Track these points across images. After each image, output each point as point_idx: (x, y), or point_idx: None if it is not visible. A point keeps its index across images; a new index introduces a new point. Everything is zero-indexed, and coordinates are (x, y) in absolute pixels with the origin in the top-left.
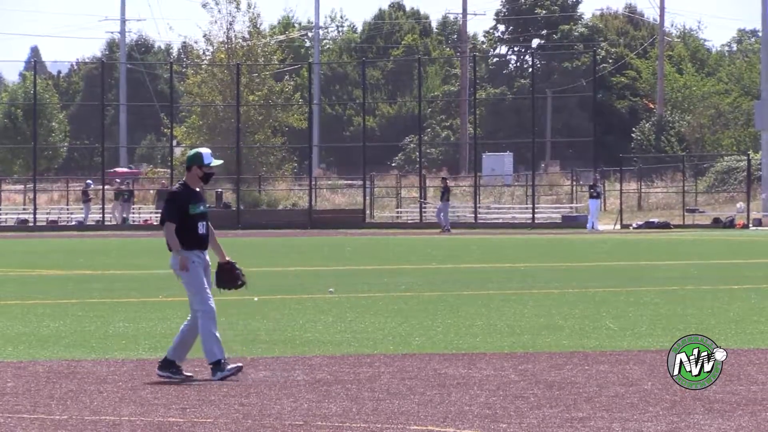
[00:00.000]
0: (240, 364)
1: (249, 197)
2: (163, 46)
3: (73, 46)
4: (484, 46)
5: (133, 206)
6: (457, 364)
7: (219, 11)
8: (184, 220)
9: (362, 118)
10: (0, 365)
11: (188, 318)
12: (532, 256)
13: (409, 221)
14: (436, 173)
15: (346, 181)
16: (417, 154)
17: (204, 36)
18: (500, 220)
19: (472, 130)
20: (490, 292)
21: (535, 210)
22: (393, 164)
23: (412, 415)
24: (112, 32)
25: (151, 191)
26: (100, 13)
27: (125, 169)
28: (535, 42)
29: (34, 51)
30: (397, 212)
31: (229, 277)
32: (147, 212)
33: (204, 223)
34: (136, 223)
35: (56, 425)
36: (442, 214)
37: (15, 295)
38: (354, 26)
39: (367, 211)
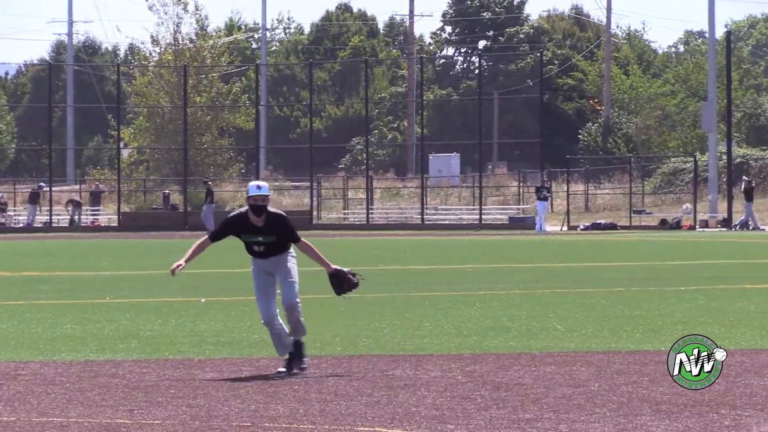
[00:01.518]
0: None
1: (196, 199)
2: (110, 48)
3: (20, 47)
4: (430, 47)
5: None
6: (404, 365)
7: (166, 13)
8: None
9: (309, 119)
10: None
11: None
12: (479, 258)
13: (356, 222)
14: (383, 174)
15: (293, 183)
16: (364, 155)
17: (151, 37)
18: (447, 221)
19: (419, 131)
20: (437, 293)
21: (482, 211)
22: (340, 166)
23: (360, 417)
24: (59, 34)
25: (104, 194)
26: (47, 15)
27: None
28: (482, 43)
29: None
30: (344, 213)
31: (339, 282)
32: (94, 213)
33: (261, 247)
34: (84, 224)
35: (4, 427)
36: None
37: None
38: (301, 28)
39: (314, 213)
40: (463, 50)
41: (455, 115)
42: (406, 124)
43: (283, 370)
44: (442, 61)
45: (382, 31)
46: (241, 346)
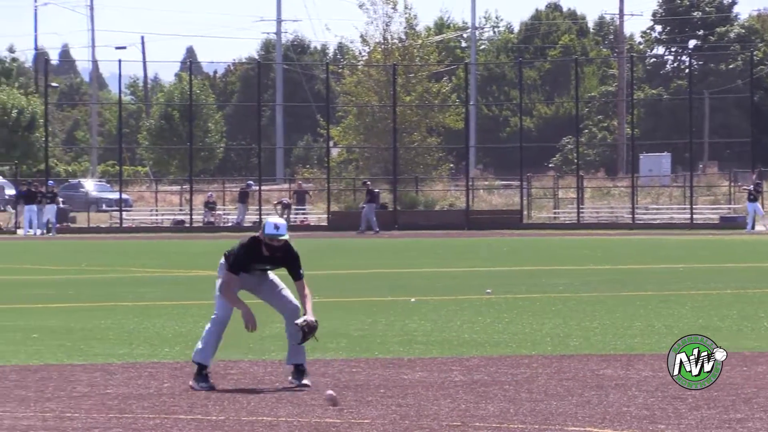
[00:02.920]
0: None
1: (406, 198)
2: (319, 47)
3: (228, 46)
4: (641, 46)
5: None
6: (615, 365)
7: (375, 12)
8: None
9: (519, 118)
10: (156, 366)
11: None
12: (690, 257)
13: (567, 222)
14: (594, 174)
15: (503, 182)
16: (574, 154)
17: (360, 36)
18: (658, 221)
19: (629, 130)
20: (648, 292)
21: (693, 210)
22: (550, 165)
23: (570, 416)
24: (267, 33)
25: (309, 193)
26: (256, 14)
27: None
28: (692, 43)
29: (190, 51)
30: (555, 213)
31: (308, 332)
32: (303, 213)
33: (264, 269)
34: (293, 223)
35: (213, 426)
36: (368, 218)
37: (171, 295)
38: (510, 26)
39: (525, 212)
40: (673, 49)
41: (666, 114)
42: (616, 124)
43: (295, 381)
44: (652, 60)
45: (591, 30)
46: (451, 345)
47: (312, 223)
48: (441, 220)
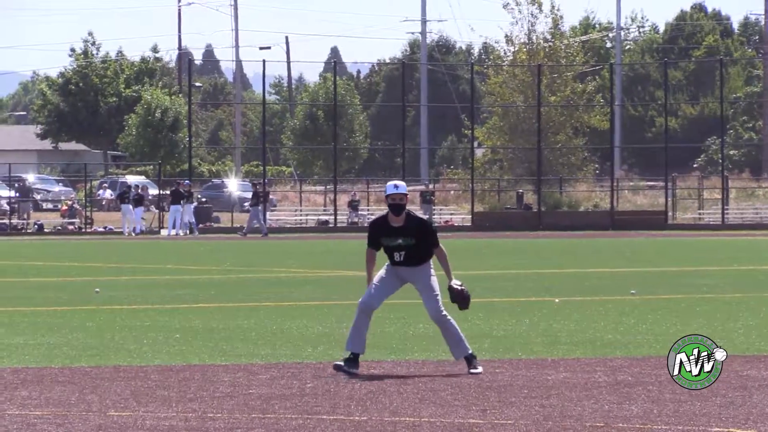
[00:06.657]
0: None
1: (550, 198)
2: (464, 47)
3: (372, 46)
4: None
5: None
6: (758, 365)
7: (520, 12)
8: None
9: (664, 118)
10: (299, 366)
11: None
12: None
13: (712, 223)
14: (738, 174)
15: (647, 182)
16: (719, 155)
17: (505, 36)
18: None
19: None
20: None
21: None
22: (695, 165)
23: (714, 417)
24: (412, 33)
25: (452, 192)
26: (401, 14)
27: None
28: None
29: (334, 51)
30: (699, 213)
31: (453, 297)
32: (448, 213)
33: (401, 252)
34: (436, 224)
35: (356, 426)
36: (255, 220)
37: (314, 296)
38: (656, 26)
39: (669, 213)
40: None
41: None
42: (761, 124)
43: (341, 363)
44: None
45: (736, 31)
46: (595, 346)
47: (456, 224)
48: (585, 220)
